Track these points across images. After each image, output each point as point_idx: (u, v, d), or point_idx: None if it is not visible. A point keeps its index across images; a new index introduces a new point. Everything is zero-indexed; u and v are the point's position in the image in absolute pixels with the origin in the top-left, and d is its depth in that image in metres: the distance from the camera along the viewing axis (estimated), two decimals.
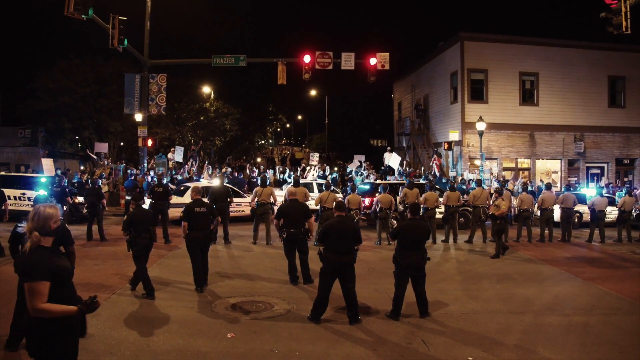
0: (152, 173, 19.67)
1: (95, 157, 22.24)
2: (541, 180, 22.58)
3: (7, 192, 15.23)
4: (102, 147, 22.05)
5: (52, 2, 14.35)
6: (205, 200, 10.19)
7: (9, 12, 39.25)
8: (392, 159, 23.78)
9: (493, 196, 13.24)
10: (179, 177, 19.82)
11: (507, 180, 19.98)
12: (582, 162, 24.54)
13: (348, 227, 6.72)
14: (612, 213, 16.07)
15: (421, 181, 18.13)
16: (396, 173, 22.47)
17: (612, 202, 16.90)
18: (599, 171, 24.93)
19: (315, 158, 25.18)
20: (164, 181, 16.24)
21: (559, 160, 24.40)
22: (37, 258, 3.22)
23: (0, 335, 5.51)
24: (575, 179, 23.94)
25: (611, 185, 22.06)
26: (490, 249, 12.46)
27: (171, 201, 13.55)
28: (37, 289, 3.13)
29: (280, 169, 24.28)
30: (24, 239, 5.27)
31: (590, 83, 24.17)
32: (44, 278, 3.16)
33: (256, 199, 12.72)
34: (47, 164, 18.32)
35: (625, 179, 24.65)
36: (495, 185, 18.45)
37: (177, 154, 22.53)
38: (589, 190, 18.90)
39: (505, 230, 12.29)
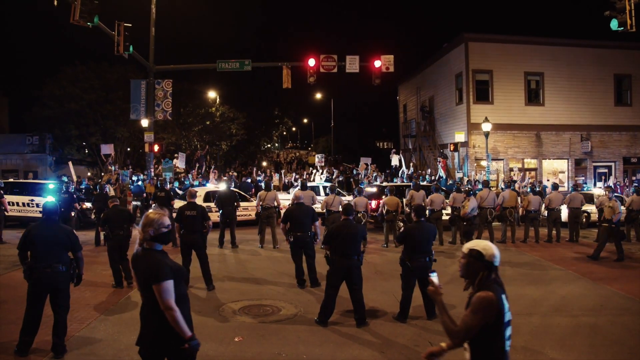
0: (135, 178, 19.95)
1: (104, 159, 22.31)
2: (547, 180, 22.47)
3: (16, 198, 15.49)
4: (108, 149, 22.07)
5: (58, 10, 14.38)
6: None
7: (15, 20, 39.67)
8: (401, 161, 23.84)
9: (462, 197, 13.51)
10: (187, 183, 19.95)
11: (515, 181, 19.88)
12: (589, 162, 24.38)
13: (354, 229, 6.74)
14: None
15: (425, 183, 18.10)
16: (401, 174, 22.45)
17: (619, 201, 16.76)
18: (606, 170, 24.74)
19: (322, 160, 25.17)
20: (167, 186, 16.35)
21: (566, 160, 24.24)
22: (155, 260, 3.41)
23: (10, 341, 5.57)
24: (583, 178, 23.79)
25: (619, 184, 21.89)
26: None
27: (175, 206, 13.59)
28: (166, 287, 3.31)
29: (285, 172, 24.32)
30: (34, 245, 5.36)
31: (596, 82, 24.00)
32: (169, 277, 3.34)
33: (260, 203, 12.78)
34: (71, 168, 18.88)
35: (634, 178, 24.45)
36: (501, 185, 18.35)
37: (180, 161, 22.66)
38: (597, 190, 18.78)
39: (480, 231, 12.68)
